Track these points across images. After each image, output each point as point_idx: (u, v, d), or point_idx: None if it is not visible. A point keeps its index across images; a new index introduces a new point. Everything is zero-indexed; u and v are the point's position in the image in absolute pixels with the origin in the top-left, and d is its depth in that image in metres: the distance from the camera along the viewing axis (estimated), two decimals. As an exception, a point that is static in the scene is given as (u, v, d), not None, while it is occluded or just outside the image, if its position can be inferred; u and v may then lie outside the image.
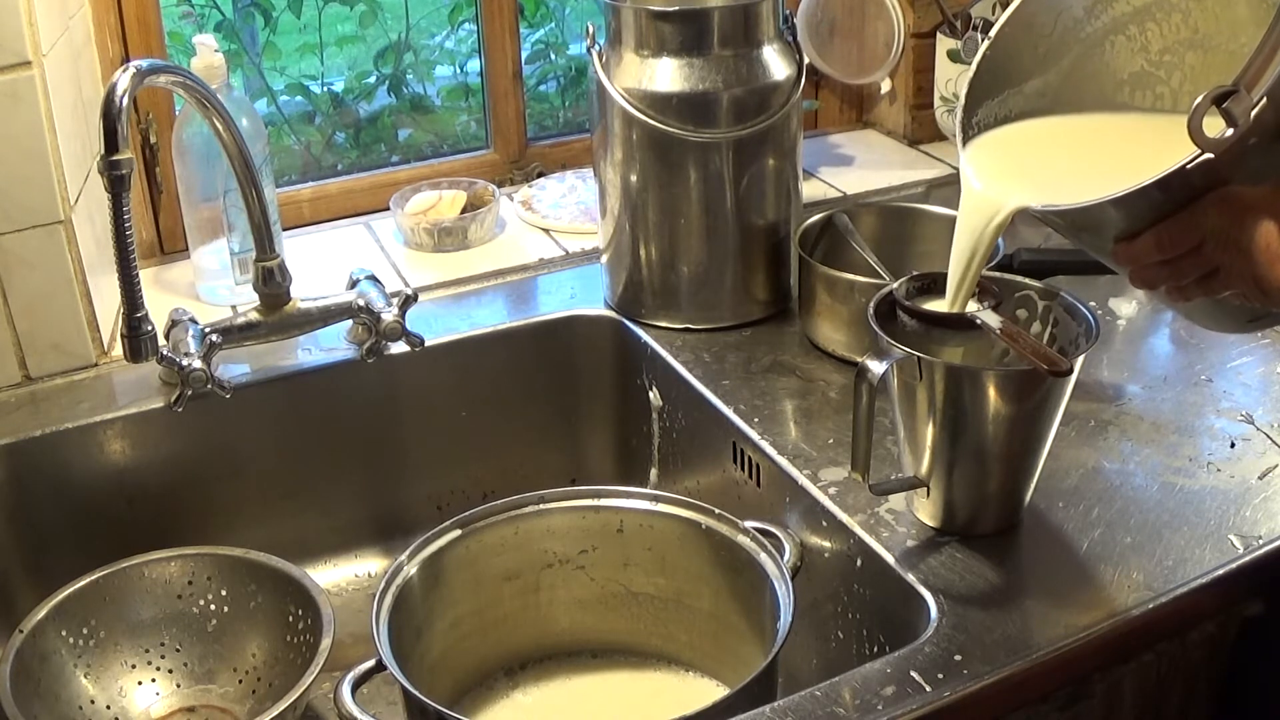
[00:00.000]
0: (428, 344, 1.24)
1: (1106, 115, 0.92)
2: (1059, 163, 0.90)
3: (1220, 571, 0.93)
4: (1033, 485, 0.98)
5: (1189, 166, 0.76)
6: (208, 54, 1.26)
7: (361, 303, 1.22)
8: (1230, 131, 0.73)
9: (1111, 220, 0.82)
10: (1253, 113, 0.73)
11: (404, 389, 1.28)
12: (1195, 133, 0.73)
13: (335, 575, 1.29)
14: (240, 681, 1.10)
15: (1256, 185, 0.79)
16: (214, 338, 1.15)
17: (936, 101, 1.66)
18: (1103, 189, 0.79)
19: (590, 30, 1.24)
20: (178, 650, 1.11)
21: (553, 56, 1.78)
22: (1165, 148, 0.76)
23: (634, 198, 1.25)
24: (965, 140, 0.91)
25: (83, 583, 1.07)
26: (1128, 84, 0.92)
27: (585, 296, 1.35)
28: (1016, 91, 0.92)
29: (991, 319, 0.92)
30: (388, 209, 1.49)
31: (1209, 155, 0.74)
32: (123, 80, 1.00)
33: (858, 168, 1.65)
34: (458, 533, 1.02)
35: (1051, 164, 0.90)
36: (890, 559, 0.96)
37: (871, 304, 0.96)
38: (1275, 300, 0.79)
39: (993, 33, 0.91)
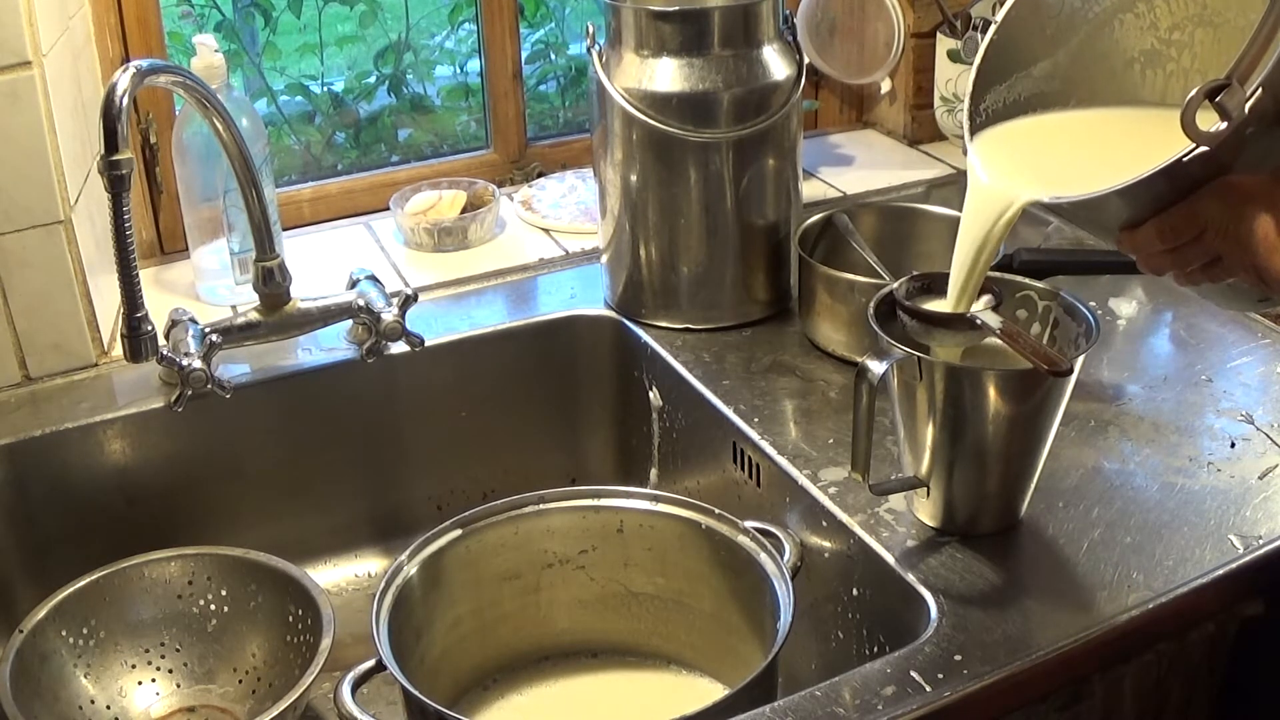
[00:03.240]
0: (428, 344, 1.24)
1: (1114, 109, 0.92)
2: (1066, 155, 0.90)
3: (1220, 571, 0.93)
4: (1033, 485, 0.98)
5: (1185, 159, 0.76)
6: (208, 54, 1.26)
7: (361, 303, 1.22)
8: (1223, 125, 0.73)
9: (1116, 210, 0.82)
10: (1247, 105, 0.73)
11: (404, 389, 1.28)
12: (1188, 126, 0.73)
13: (335, 575, 1.29)
14: (240, 681, 1.10)
15: (1257, 172, 0.79)
16: (214, 338, 1.15)
17: (936, 101, 1.66)
18: (1109, 180, 0.79)
19: (590, 30, 1.24)
20: (178, 650, 1.11)
21: (553, 56, 1.78)
22: (1172, 139, 0.76)
23: (634, 198, 1.25)
24: (972, 128, 0.91)
25: (83, 583, 1.07)
26: (1138, 62, 0.91)
27: (585, 296, 1.35)
28: (1025, 74, 0.92)
29: (991, 319, 0.92)
30: (388, 209, 1.49)
31: (1204, 148, 0.74)
32: (123, 80, 1.00)
33: (858, 168, 1.65)
34: (458, 533, 1.02)
35: (1058, 156, 0.90)
36: (890, 559, 0.96)
37: (871, 304, 0.96)
38: (1276, 289, 0.80)
39: (999, 16, 0.90)
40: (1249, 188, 0.78)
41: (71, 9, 1.25)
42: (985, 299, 0.95)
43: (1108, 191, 0.79)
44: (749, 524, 1.00)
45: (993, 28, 0.90)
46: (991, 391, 0.91)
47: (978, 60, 0.90)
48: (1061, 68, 0.92)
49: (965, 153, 0.91)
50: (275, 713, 0.94)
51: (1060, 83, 0.92)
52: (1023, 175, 0.87)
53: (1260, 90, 0.74)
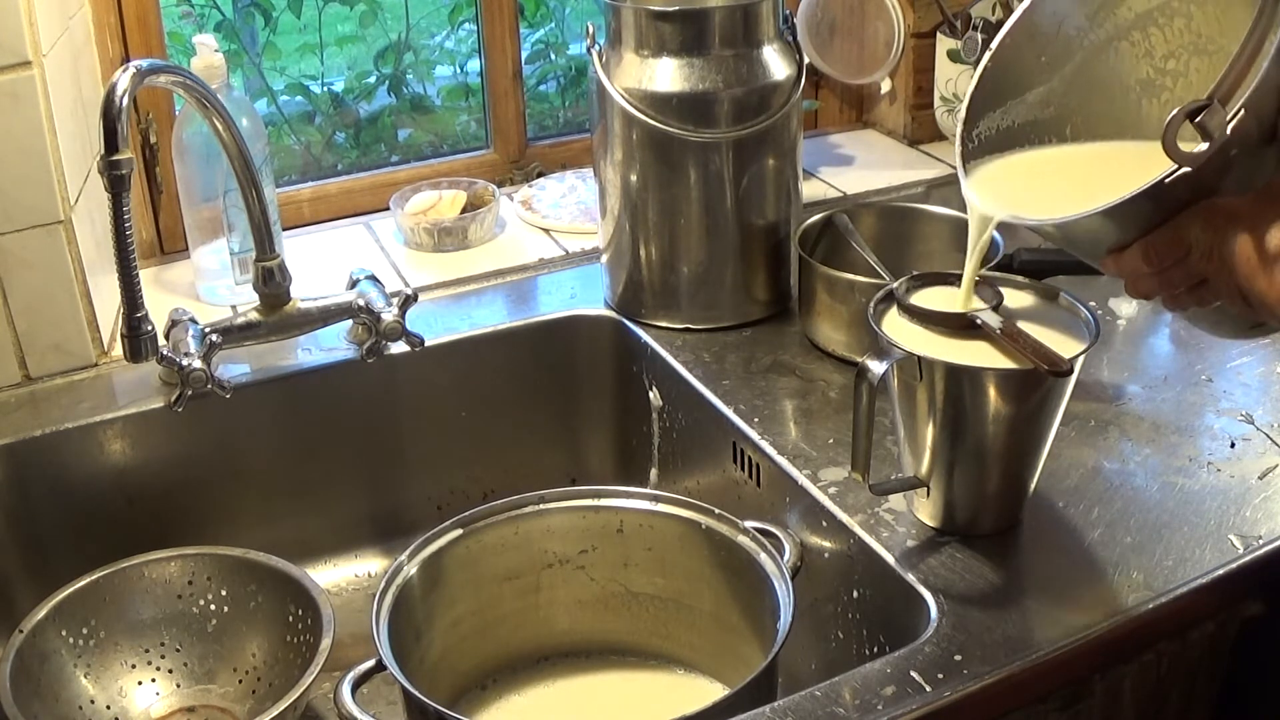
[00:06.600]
0: (428, 344, 1.24)
1: (1106, 143, 0.92)
2: (1056, 185, 0.90)
3: (1220, 571, 0.93)
4: (1033, 485, 0.98)
5: (1168, 180, 0.76)
6: (208, 54, 1.26)
7: (361, 303, 1.22)
8: (1205, 146, 0.73)
9: (1103, 233, 0.82)
10: (1229, 126, 0.73)
11: (404, 389, 1.28)
12: (1170, 148, 0.73)
13: (335, 575, 1.29)
14: (240, 681, 1.10)
15: (1242, 193, 0.79)
16: (214, 338, 1.15)
17: (936, 101, 1.66)
18: (1094, 206, 0.80)
19: (590, 30, 1.24)
20: (178, 650, 1.11)
21: (553, 56, 1.78)
22: (1159, 167, 0.77)
23: (634, 198, 1.25)
24: (965, 153, 0.91)
25: (83, 583, 1.07)
26: (1134, 91, 0.91)
27: (585, 296, 1.35)
28: (1019, 101, 0.92)
29: (991, 319, 0.92)
30: (388, 209, 1.49)
31: (1186, 169, 0.74)
32: (123, 80, 1.00)
33: (858, 168, 1.65)
34: (458, 533, 1.02)
35: (1049, 185, 0.90)
36: (890, 559, 0.96)
37: (871, 304, 0.96)
38: (1261, 311, 0.79)
39: (994, 43, 0.90)
40: (1233, 209, 0.78)
41: (71, 9, 1.25)
42: (986, 299, 0.95)
43: (1092, 213, 0.79)
44: (749, 524, 1.00)
45: (987, 55, 0.90)
46: (991, 391, 0.91)
47: (971, 87, 0.91)
48: (1056, 95, 0.91)
49: (960, 177, 0.91)
50: (275, 713, 0.94)
51: (1055, 110, 0.92)
52: (1013, 203, 0.88)
53: (1243, 111, 0.73)
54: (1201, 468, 1.04)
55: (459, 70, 1.74)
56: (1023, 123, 0.92)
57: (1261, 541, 0.95)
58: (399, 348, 1.23)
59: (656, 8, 1.20)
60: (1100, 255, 0.85)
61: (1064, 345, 0.90)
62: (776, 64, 1.22)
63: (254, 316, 1.19)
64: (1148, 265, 0.81)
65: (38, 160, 1.12)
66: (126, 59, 1.37)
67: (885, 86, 1.71)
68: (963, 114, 0.90)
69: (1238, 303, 0.81)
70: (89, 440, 1.16)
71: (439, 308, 1.33)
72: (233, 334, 1.18)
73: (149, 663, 1.10)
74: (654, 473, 1.30)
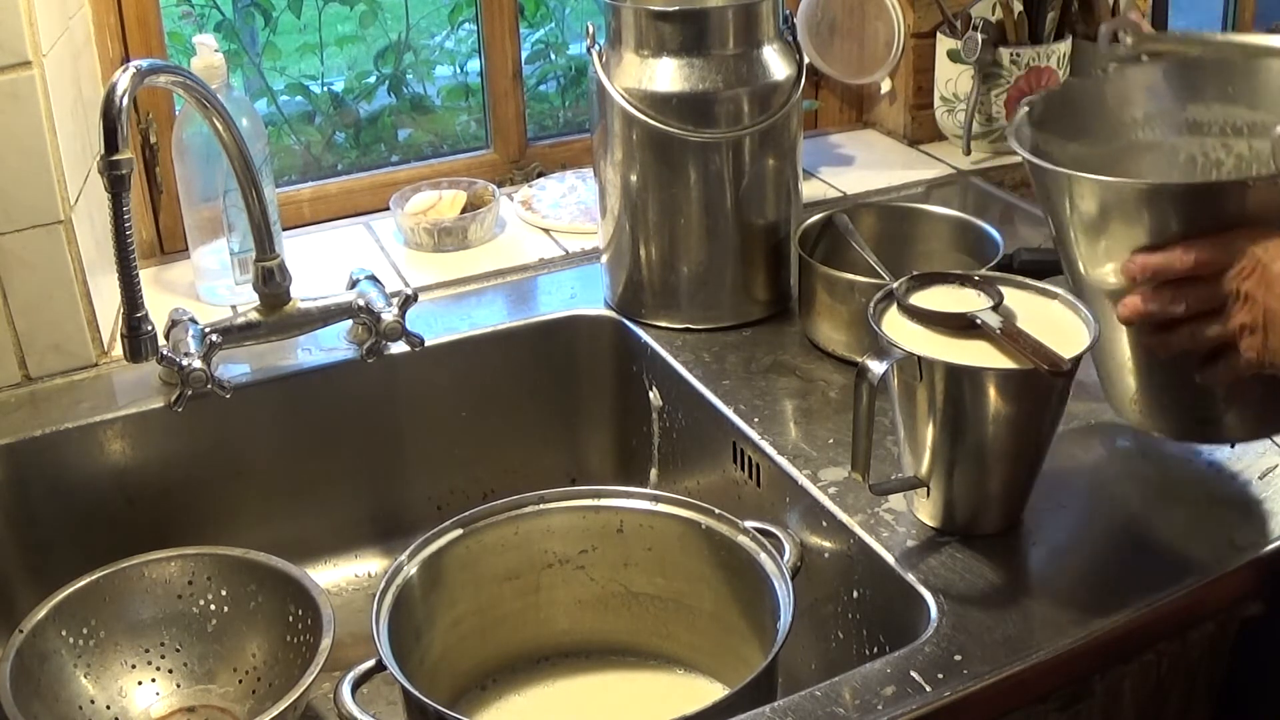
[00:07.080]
0: (428, 344, 1.24)
1: None
2: None
3: (1220, 571, 0.93)
4: (1033, 485, 0.98)
5: (1252, 182, 0.76)
6: (208, 54, 1.26)
7: (361, 303, 1.22)
8: None
9: (1142, 222, 0.82)
10: None
11: (404, 389, 1.28)
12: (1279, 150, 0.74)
13: (335, 575, 1.29)
14: (240, 681, 1.11)
15: None
16: (214, 338, 1.15)
17: (936, 101, 1.66)
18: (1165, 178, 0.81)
19: (590, 30, 1.24)
20: (178, 650, 1.11)
21: (553, 56, 1.79)
22: None
23: (634, 198, 1.25)
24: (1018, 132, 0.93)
25: (83, 583, 1.07)
26: None
27: (585, 296, 1.35)
28: (1061, 142, 0.93)
29: (992, 319, 0.92)
30: (388, 209, 1.49)
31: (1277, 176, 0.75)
32: (123, 80, 1.00)
33: (858, 168, 1.65)
34: (458, 533, 1.02)
35: None
36: (890, 559, 0.96)
37: (871, 304, 0.96)
38: (1274, 331, 0.80)
39: (1066, 76, 0.91)
40: None
41: (71, 9, 1.25)
42: (986, 299, 0.95)
43: (1157, 185, 0.80)
44: (749, 524, 1.00)
45: (1057, 82, 0.91)
46: (991, 391, 0.91)
47: (1042, 93, 0.92)
48: (1087, 167, 0.92)
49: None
50: (275, 713, 0.94)
51: None
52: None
53: None
54: (1201, 468, 1.04)
55: (459, 70, 1.74)
56: (1055, 162, 0.92)
57: (1261, 541, 0.95)
58: (399, 348, 1.23)
59: (656, 8, 1.20)
60: (1117, 251, 0.85)
61: (1064, 345, 0.90)
62: (776, 64, 1.22)
63: (254, 316, 1.19)
64: (1181, 265, 0.82)
65: (38, 160, 1.12)
66: (126, 59, 1.37)
67: (885, 86, 1.71)
68: (1033, 96, 0.92)
69: (1245, 341, 0.81)
70: (89, 440, 1.16)
71: (439, 308, 1.33)
72: (233, 334, 1.18)
73: (149, 663, 1.10)
74: (654, 473, 1.30)
